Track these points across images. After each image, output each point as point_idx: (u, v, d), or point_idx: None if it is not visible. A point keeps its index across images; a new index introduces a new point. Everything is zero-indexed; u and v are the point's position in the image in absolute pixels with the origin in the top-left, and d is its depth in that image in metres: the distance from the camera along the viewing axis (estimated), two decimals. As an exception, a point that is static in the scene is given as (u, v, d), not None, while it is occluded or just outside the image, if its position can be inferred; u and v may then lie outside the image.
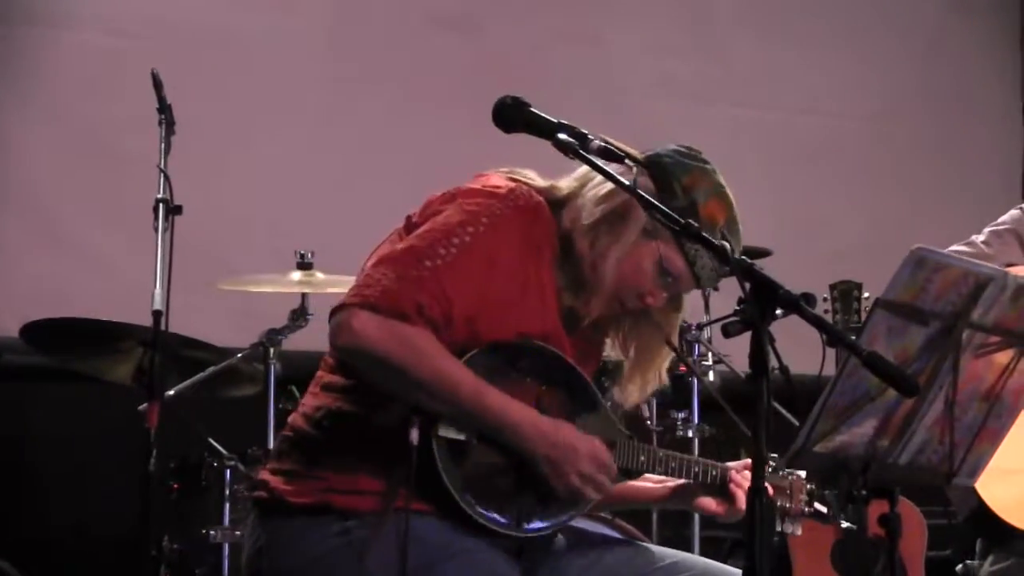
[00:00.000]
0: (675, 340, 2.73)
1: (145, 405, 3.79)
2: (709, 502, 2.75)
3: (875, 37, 6.35)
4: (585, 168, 2.53)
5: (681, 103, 5.99)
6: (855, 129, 6.29)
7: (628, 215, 2.55)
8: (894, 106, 6.34)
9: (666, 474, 2.71)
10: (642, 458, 2.65)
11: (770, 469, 2.79)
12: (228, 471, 4.15)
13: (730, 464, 2.74)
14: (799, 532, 2.86)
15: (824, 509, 2.84)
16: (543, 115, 2.47)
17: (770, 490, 2.76)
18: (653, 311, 2.65)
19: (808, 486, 2.84)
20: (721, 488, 2.74)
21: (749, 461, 2.55)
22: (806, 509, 2.84)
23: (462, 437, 2.48)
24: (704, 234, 2.32)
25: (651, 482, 2.78)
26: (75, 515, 4.96)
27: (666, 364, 2.73)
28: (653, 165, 2.58)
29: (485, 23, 5.76)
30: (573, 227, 2.58)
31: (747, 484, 2.65)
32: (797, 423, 2.33)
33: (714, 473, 2.73)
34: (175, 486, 4.20)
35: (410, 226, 2.58)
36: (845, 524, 2.80)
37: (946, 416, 2.44)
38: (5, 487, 5.03)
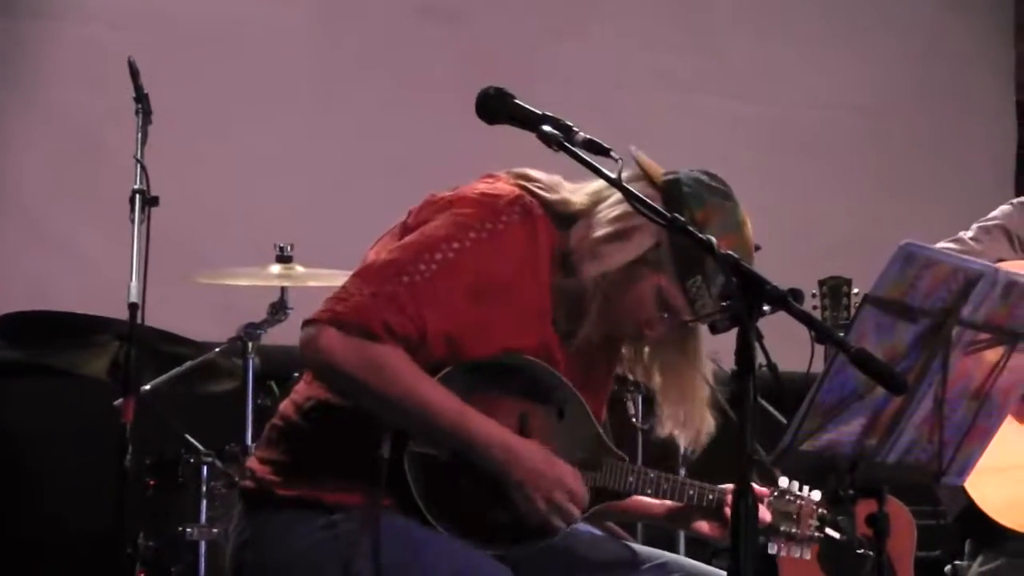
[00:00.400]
0: (706, 372, 2.62)
1: (121, 400, 3.79)
2: (704, 525, 2.72)
3: (872, 34, 6.34)
4: (600, 183, 2.48)
5: (677, 97, 5.96)
6: (851, 125, 6.26)
7: (633, 240, 2.48)
8: (890, 102, 6.32)
9: (657, 496, 2.65)
10: (631, 479, 2.59)
11: (775, 494, 2.75)
12: (205, 468, 4.10)
13: (727, 487, 2.67)
14: (808, 556, 2.80)
15: (837, 535, 2.77)
16: (527, 107, 2.41)
17: (767, 516, 2.72)
18: (669, 331, 2.56)
19: (819, 511, 2.78)
20: (717, 511, 2.69)
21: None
22: (816, 534, 2.78)
23: (435, 452, 2.43)
24: (690, 228, 2.27)
25: (651, 497, 2.72)
26: (49, 512, 4.92)
27: (706, 399, 2.63)
28: (670, 190, 2.51)
29: (479, 15, 5.72)
30: (579, 247, 2.52)
31: None
32: (785, 421, 2.31)
33: (711, 497, 2.68)
34: (151, 483, 4.15)
35: (406, 227, 2.53)
36: (861, 551, 2.71)
37: (935, 414, 2.42)
38: (-23, 483, 4.98)
